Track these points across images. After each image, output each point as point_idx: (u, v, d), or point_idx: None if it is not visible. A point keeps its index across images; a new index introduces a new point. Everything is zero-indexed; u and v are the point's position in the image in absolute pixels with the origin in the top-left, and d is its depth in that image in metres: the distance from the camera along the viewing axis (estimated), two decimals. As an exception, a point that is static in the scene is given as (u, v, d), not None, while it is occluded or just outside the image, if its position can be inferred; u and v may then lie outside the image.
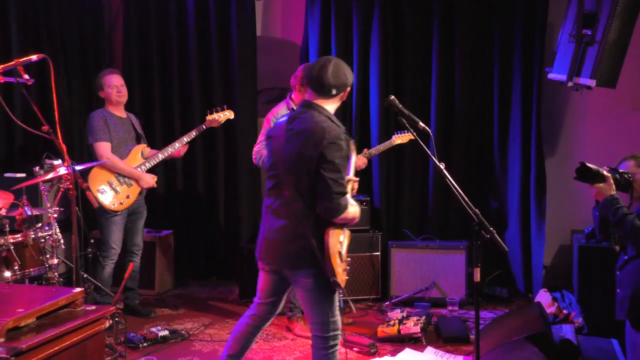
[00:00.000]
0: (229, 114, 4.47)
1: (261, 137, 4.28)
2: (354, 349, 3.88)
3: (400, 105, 2.74)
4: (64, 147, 3.13)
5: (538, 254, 4.79)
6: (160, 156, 4.38)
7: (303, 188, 2.67)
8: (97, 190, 4.15)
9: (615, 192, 2.77)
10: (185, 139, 4.40)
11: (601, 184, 2.78)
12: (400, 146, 5.10)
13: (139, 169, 4.31)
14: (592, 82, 3.97)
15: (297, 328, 4.18)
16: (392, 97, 2.75)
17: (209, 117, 4.41)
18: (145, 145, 4.47)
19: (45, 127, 3.10)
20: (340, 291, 2.78)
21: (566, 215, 5.03)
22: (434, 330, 4.19)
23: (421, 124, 2.74)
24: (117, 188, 4.23)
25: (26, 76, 3.05)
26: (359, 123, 5.10)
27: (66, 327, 1.63)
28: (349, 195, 2.74)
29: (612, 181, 2.78)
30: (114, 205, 4.21)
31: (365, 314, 4.63)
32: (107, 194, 4.20)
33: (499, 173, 4.97)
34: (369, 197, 4.96)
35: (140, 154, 4.39)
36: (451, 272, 4.73)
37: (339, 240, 2.71)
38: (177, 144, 4.39)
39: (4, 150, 4.79)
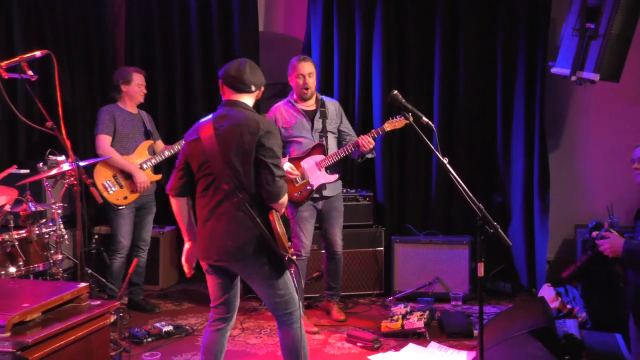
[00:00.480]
0: None
1: None
2: (358, 344, 3.89)
3: (404, 100, 2.73)
4: (68, 143, 3.13)
5: (542, 249, 4.78)
6: (167, 153, 4.41)
7: (243, 178, 2.74)
8: (102, 185, 4.18)
9: (623, 238, 2.80)
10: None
11: (607, 245, 2.81)
12: (403, 141, 5.11)
13: (144, 165, 4.33)
14: (596, 76, 3.95)
15: (334, 311, 4.36)
16: (395, 91, 2.75)
17: None
18: (153, 142, 4.50)
19: (49, 123, 3.10)
20: (293, 269, 2.87)
21: (570, 209, 5.02)
22: (437, 325, 4.19)
23: (424, 118, 2.74)
24: (122, 183, 4.26)
25: (30, 72, 3.05)
26: (362, 119, 5.10)
27: (71, 321, 1.64)
28: None
29: (613, 233, 2.81)
30: (117, 199, 4.24)
31: (369, 309, 4.64)
32: (112, 189, 4.23)
33: (502, 168, 4.96)
34: (372, 192, 4.96)
35: (147, 150, 4.42)
36: (454, 267, 4.73)
37: (279, 219, 2.80)
38: (183, 142, 4.41)
39: (7, 146, 4.80)
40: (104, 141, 4.25)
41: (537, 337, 3.08)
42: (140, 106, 4.51)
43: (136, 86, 4.41)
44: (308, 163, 4.12)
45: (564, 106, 5.08)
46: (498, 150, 4.95)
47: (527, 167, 4.81)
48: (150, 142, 4.47)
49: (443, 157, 2.72)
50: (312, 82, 4.12)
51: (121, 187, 4.26)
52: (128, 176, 4.28)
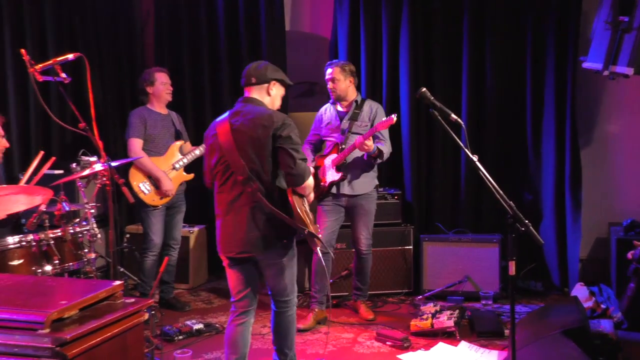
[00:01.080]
0: None
1: (312, 132, 4.44)
2: (387, 342, 3.88)
3: (432, 97, 2.72)
4: (100, 143, 3.19)
5: (574, 247, 4.70)
6: (197, 152, 4.47)
7: (258, 168, 2.87)
8: (138, 186, 4.27)
9: None
10: None
11: None
12: (431, 138, 5.08)
13: (177, 165, 4.41)
14: (630, 70, 3.87)
15: (362, 310, 4.38)
16: (424, 89, 2.74)
17: None
18: (184, 142, 4.55)
19: (82, 125, 3.16)
20: (319, 243, 3.05)
21: (603, 207, 4.93)
22: (467, 324, 4.15)
23: (453, 115, 2.73)
24: (157, 184, 4.32)
25: (63, 75, 3.11)
26: (389, 115, 5.07)
27: (107, 319, 1.67)
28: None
29: None
30: (153, 200, 4.32)
31: (398, 307, 4.62)
32: (148, 189, 4.30)
33: (532, 165, 4.89)
34: (400, 191, 4.93)
35: (179, 150, 4.48)
36: (484, 265, 4.68)
37: (303, 203, 2.95)
38: None
39: (41, 147, 4.90)
40: (136, 145, 4.31)
41: (571, 337, 3.03)
42: (169, 107, 4.58)
43: (160, 85, 4.45)
44: (327, 161, 4.25)
45: (596, 102, 4.98)
46: (528, 147, 4.88)
47: (558, 164, 4.73)
48: (181, 142, 4.52)
49: (472, 154, 2.70)
50: (333, 86, 4.21)
51: (156, 188, 4.33)
52: None
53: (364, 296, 4.46)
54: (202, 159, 4.85)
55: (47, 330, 1.56)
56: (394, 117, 3.91)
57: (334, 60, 4.31)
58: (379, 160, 4.21)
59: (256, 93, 3.05)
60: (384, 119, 3.98)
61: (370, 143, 3.98)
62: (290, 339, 3.17)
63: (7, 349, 1.57)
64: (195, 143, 4.67)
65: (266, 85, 3.05)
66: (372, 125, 4.19)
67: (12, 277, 2.27)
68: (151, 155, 4.34)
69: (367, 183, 4.24)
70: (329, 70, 4.22)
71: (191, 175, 4.56)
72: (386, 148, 4.17)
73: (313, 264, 4.26)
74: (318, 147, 4.45)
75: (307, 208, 3.02)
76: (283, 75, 3.13)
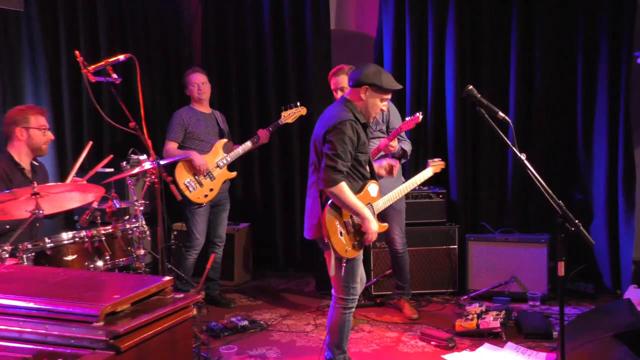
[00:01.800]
0: (302, 110, 4.67)
1: None
2: (432, 342, 3.85)
3: (479, 95, 2.69)
4: (149, 142, 3.27)
5: (627, 249, 4.54)
6: (240, 150, 4.53)
7: (317, 162, 3.18)
8: (184, 184, 4.36)
9: None
10: (257, 136, 4.59)
11: None
12: (477, 137, 4.99)
13: (221, 163, 4.48)
14: (687, 66, 3.72)
15: (406, 309, 4.37)
16: (471, 86, 2.71)
17: (284, 113, 4.62)
18: (227, 140, 4.61)
19: (132, 124, 3.25)
20: (344, 262, 3.14)
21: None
22: (514, 325, 4.08)
23: (501, 113, 2.69)
24: (202, 181, 4.41)
25: (114, 75, 3.20)
26: (435, 114, 5.03)
27: (158, 313, 1.72)
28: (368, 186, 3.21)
29: None
30: (198, 198, 4.40)
31: (442, 307, 4.58)
32: (193, 188, 4.38)
33: (583, 163, 4.75)
34: (445, 190, 4.88)
35: (222, 148, 4.55)
36: (532, 266, 4.58)
37: (336, 218, 3.10)
38: (255, 139, 4.58)
39: (93, 146, 5.05)
40: (169, 147, 4.44)
41: (624, 341, 2.94)
42: (215, 106, 4.64)
43: (191, 86, 4.53)
44: None
45: (651, 98, 4.81)
46: (578, 145, 4.75)
47: (610, 163, 4.59)
48: (224, 140, 4.59)
49: (520, 152, 2.65)
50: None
51: (201, 185, 4.41)
52: (207, 175, 4.44)
53: (407, 294, 4.43)
54: (242, 159, 4.93)
55: (101, 323, 1.61)
56: (419, 115, 3.83)
57: (337, 68, 4.15)
58: (403, 160, 4.19)
59: (351, 95, 3.17)
60: (408, 118, 3.91)
61: (395, 144, 3.97)
62: (339, 338, 3.28)
63: (64, 340, 1.63)
64: (242, 140, 4.73)
65: (358, 89, 3.12)
66: (387, 126, 4.17)
67: (67, 271, 2.36)
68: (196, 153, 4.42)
69: (394, 183, 4.18)
70: (336, 79, 4.10)
71: (234, 174, 4.63)
72: (408, 146, 4.16)
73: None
74: None
75: (348, 223, 3.14)
76: (381, 79, 3.09)
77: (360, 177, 3.19)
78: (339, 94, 4.10)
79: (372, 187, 3.25)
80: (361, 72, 3.10)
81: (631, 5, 4.44)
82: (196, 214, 4.46)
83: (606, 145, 4.59)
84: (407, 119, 3.94)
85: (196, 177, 4.41)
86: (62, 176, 4.54)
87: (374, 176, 3.30)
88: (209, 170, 4.44)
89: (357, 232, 3.16)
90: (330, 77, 4.19)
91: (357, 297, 3.28)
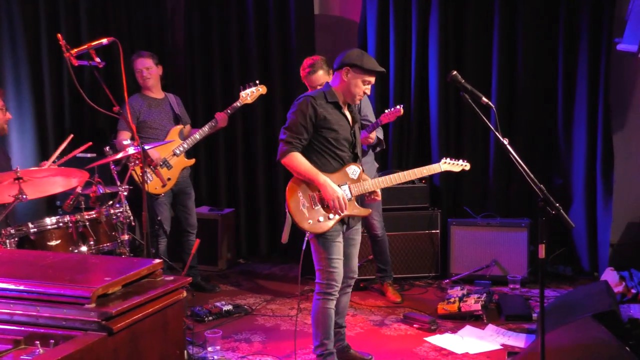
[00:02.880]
0: (262, 89, 4.48)
1: None
2: (414, 325, 3.91)
3: (463, 80, 2.71)
4: (133, 127, 3.25)
5: (604, 232, 4.65)
6: (197, 136, 4.39)
7: None
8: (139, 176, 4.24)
9: None
10: (215, 120, 4.42)
11: None
12: (460, 122, 5.03)
13: (177, 150, 4.34)
14: (666, 53, 3.80)
15: (389, 293, 4.41)
16: (455, 72, 2.73)
17: (242, 93, 4.44)
18: (183, 125, 4.50)
19: (116, 108, 3.23)
20: (308, 235, 3.14)
21: (634, 192, 4.86)
22: (495, 308, 4.16)
23: (484, 98, 2.71)
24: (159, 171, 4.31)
25: (97, 59, 3.17)
26: (418, 99, 5.06)
27: (149, 295, 1.73)
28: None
29: None
30: (155, 188, 4.29)
31: (425, 291, 4.64)
32: (149, 179, 4.24)
33: (563, 148, 4.84)
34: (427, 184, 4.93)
35: (178, 135, 4.42)
36: (513, 249, 4.66)
37: (300, 189, 3.12)
38: (212, 123, 4.42)
39: (75, 130, 5.00)
40: (121, 137, 4.23)
41: (601, 322, 3.02)
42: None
43: (135, 72, 4.40)
44: None
45: (630, 84, 4.89)
46: (559, 130, 4.83)
47: (589, 148, 4.67)
48: (180, 127, 4.45)
49: (503, 137, 2.69)
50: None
51: (157, 176, 4.25)
52: (164, 164, 4.30)
53: (389, 277, 4.49)
54: (226, 145, 4.87)
55: (93, 305, 1.63)
56: (400, 108, 3.83)
57: (308, 69, 3.99)
58: (378, 149, 4.22)
59: (334, 78, 3.20)
60: (388, 110, 3.90)
61: (373, 136, 4.00)
62: (317, 328, 3.21)
63: (56, 322, 1.64)
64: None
65: (340, 70, 3.13)
66: (361, 116, 4.06)
67: (56, 254, 2.36)
68: (150, 142, 4.19)
69: (368, 170, 4.19)
70: (314, 77, 3.94)
71: (192, 161, 4.49)
72: (381, 134, 4.18)
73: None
74: None
75: (315, 197, 3.12)
76: (362, 61, 3.08)
77: (334, 156, 3.14)
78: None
79: (352, 169, 3.19)
80: (344, 55, 3.13)
81: (611, -8, 4.50)
82: (157, 204, 4.33)
83: (585, 131, 4.68)
84: (386, 111, 3.94)
85: (151, 167, 4.22)
86: (43, 161, 4.48)
87: (357, 159, 3.23)
88: (165, 159, 4.31)
89: (325, 207, 3.11)
90: (303, 78, 4.02)
91: (337, 283, 3.14)
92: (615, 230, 4.82)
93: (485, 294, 4.13)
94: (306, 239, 3.13)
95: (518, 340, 3.64)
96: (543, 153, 4.92)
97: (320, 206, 3.12)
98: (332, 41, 5.35)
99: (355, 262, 3.39)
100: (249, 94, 4.44)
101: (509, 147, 2.61)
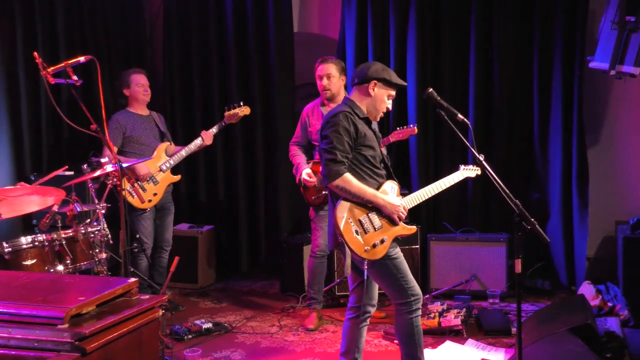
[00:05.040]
0: (245, 110, 4.58)
1: (297, 133, 4.35)
2: (395, 341, 3.90)
3: (439, 98, 2.76)
4: (111, 145, 3.24)
5: (581, 246, 4.72)
6: (183, 153, 4.45)
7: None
8: (127, 190, 4.25)
9: None
10: (201, 138, 4.47)
11: None
12: (438, 138, 5.09)
13: (164, 167, 4.40)
14: (636, 70, 3.90)
15: (307, 320, 4.25)
16: (431, 89, 2.78)
17: (227, 113, 4.53)
18: (169, 143, 4.55)
19: (94, 126, 3.20)
20: (367, 264, 2.93)
21: (610, 206, 4.93)
22: (474, 323, 4.18)
23: (460, 115, 2.77)
24: (145, 187, 4.33)
25: (75, 77, 3.15)
26: (396, 119, 5.09)
27: (124, 314, 1.71)
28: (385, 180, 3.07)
29: None
30: (142, 203, 4.32)
31: (405, 306, 4.64)
32: (134, 194, 4.30)
33: (539, 164, 4.90)
34: (407, 190, 4.94)
35: (164, 152, 4.48)
36: (491, 264, 4.70)
37: (350, 215, 2.90)
38: (197, 141, 4.47)
39: (53, 148, 4.96)
40: (108, 153, 4.17)
41: (578, 335, 3.05)
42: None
43: (136, 87, 4.44)
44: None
45: (603, 101, 4.99)
46: (535, 145, 4.90)
47: (565, 163, 4.75)
48: (166, 144, 4.51)
49: (479, 154, 2.74)
50: (329, 83, 4.08)
51: (144, 190, 4.33)
52: (150, 180, 4.35)
53: None
54: (206, 161, 4.85)
55: (66, 325, 1.61)
56: (414, 127, 3.88)
57: (325, 57, 4.18)
58: None
59: (355, 93, 3.04)
60: (400, 128, 3.94)
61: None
62: (411, 347, 3.04)
63: (28, 343, 1.61)
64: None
65: (366, 85, 2.99)
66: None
67: (29, 275, 2.33)
68: (135, 158, 4.27)
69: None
70: (323, 66, 4.07)
71: (178, 177, 4.54)
72: (385, 151, 4.18)
73: (308, 267, 4.27)
74: (308, 149, 4.31)
75: (365, 221, 2.93)
76: (390, 74, 3.02)
77: (371, 175, 3.00)
78: (324, 82, 4.08)
79: (389, 186, 3.07)
80: (368, 69, 3.00)
81: (584, 11, 4.61)
82: (141, 218, 4.37)
83: (561, 146, 4.75)
84: (398, 129, 3.96)
85: (139, 182, 4.30)
86: (19, 180, 4.42)
87: (391, 176, 3.13)
88: (152, 175, 4.37)
89: (379, 230, 2.97)
90: (317, 65, 4.12)
91: (419, 296, 3.01)
92: (592, 244, 4.88)
93: (464, 309, 4.14)
94: (365, 268, 2.93)
95: (498, 355, 3.66)
96: (520, 168, 4.98)
97: (373, 230, 2.96)
98: (311, 58, 5.37)
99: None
100: (233, 115, 4.53)
101: (484, 163, 2.65)
